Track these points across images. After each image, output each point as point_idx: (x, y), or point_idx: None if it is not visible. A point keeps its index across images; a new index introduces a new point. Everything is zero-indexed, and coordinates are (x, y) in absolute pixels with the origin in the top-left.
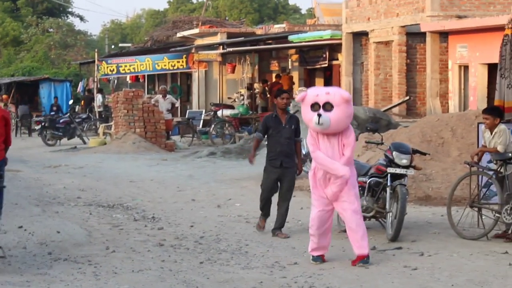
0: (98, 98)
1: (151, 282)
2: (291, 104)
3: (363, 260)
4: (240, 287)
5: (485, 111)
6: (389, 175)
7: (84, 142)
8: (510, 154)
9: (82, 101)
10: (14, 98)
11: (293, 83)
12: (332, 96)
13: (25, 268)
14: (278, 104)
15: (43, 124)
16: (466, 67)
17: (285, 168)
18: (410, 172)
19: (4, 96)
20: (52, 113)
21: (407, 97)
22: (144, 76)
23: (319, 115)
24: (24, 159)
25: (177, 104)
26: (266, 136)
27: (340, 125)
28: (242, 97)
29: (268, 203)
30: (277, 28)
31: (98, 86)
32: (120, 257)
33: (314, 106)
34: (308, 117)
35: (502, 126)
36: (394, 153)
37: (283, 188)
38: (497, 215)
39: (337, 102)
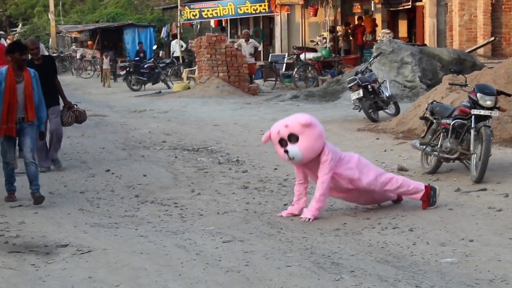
0: (180, 44)
1: (236, 223)
2: (374, 47)
3: (430, 200)
4: (324, 228)
5: None
6: (473, 116)
7: (168, 87)
8: None
9: (166, 47)
10: (99, 44)
11: (376, 26)
12: (291, 127)
13: (113, 210)
14: None
15: (128, 69)
16: None
17: None
18: (495, 113)
19: (89, 43)
20: (137, 58)
21: (492, 38)
22: (227, 20)
23: (286, 151)
24: (110, 104)
25: (260, 48)
26: None
27: (314, 150)
28: (324, 40)
29: None
30: None
31: (181, 31)
32: (206, 199)
33: (282, 143)
34: (280, 154)
35: None
36: (478, 94)
37: None
38: None
39: (298, 130)
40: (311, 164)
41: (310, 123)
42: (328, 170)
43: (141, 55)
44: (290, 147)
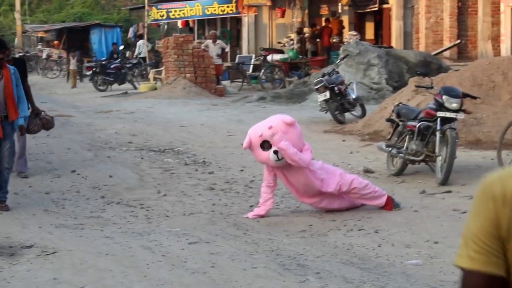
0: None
1: (202, 225)
2: (341, 49)
3: (393, 202)
4: (290, 230)
5: None
6: (439, 119)
7: (135, 88)
8: None
9: (133, 47)
10: (66, 44)
11: (343, 27)
12: (276, 127)
13: (78, 211)
14: None
15: (94, 69)
16: None
17: None
18: (460, 116)
19: (56, 42)
20: (104, 58)
21: (458, 41)
22: (194, 21)
23: (276, 151)
24: (76, 105)
25: (227, 49)
26: None
27: (298, 149)
28: (291, 42)
29: None
30: None
31: (148, 31)
32: (172, 200)
33: (264, 145)
34: (263, 158)
35: None
36: (444, 97)
37: None
38: None
39: (284, 130)
40: (285, 167)
41: (294, 122)
42: (311, 155)
43: (115, 55)
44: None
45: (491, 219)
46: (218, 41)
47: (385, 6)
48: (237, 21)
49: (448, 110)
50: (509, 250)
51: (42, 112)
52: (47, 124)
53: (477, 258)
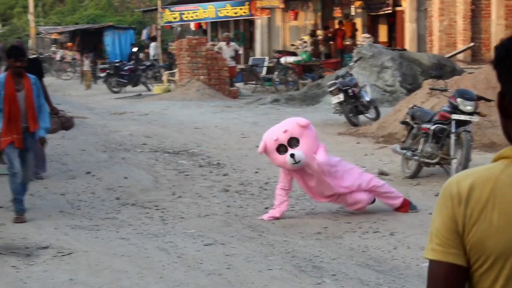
0: (156, 47)
1: (218, 226)
2: (354, 51)
3: (410, 204)
4: (305, 232)
5: None
6: (453, 121)
7: (149, 89)
8: None
9: (146, 49)
10: (79, 46)
11: (356, 30)
12: (291, 130)
13: (94, 212)
14: None
15: (108, 71)
16: None
17: None
18: (475, 118)
19: (69, 44)
20: (127, 61)
21: (472, 44)
22: (207, 23)
23: (292, 155)
24: (90, 106)
25: (240, 51)
26: None
27: (313, 151)
28: (305, 44)
29: None
30: None
31: (162, 33)
32: (187, 202)
33: (280, 149)
34: (279, 161)
35: None
36: (458, 99)
37: None
38: None
39: (298, 133)
40: (301, 169)
41: (309, 124)
42: (326, 153)
43: (133, 57)
44: (296, 150)
45: (449, 216)
46: (232, 43)
47: (398, 8)
48: (250, 23)
49: (463, 112)
50: (466, 244)
51: (60, 111)
52: (67, 122)
53: (439, 249)
